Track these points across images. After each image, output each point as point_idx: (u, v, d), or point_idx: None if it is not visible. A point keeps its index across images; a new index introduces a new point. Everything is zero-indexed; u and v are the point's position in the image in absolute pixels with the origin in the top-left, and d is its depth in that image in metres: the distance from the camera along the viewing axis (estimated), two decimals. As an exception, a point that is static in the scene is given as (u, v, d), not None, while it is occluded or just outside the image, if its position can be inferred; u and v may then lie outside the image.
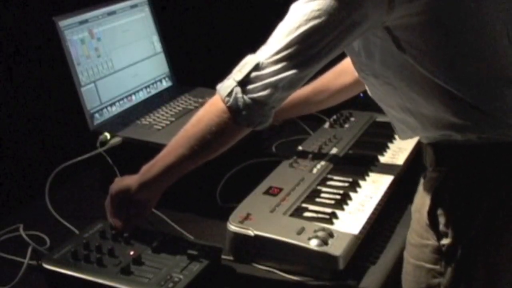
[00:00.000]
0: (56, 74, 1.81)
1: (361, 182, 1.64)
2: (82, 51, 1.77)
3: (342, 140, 1.87)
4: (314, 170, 1.69)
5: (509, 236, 1.31)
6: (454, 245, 1.30)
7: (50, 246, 1.51)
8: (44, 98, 1.90)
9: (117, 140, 1.70)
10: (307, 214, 1.49)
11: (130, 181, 1.39)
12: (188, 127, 1.32)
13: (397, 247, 1.51)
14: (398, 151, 1.82)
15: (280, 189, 1.58)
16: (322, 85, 1.74)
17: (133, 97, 1.93)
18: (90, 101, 1.76)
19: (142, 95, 1.96)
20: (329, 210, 1.50)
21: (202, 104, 1.93)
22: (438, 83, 1.24)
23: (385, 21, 1.21)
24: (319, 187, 1.62)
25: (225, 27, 2.51)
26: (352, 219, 1.49)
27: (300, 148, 1.82)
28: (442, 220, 1.31)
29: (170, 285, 1.26)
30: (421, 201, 1.36)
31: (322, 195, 1.58)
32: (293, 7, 1.23)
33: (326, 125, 1.99)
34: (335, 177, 1.67)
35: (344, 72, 1.71)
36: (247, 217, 1.45)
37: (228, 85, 1.26)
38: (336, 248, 1.36)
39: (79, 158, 1.66)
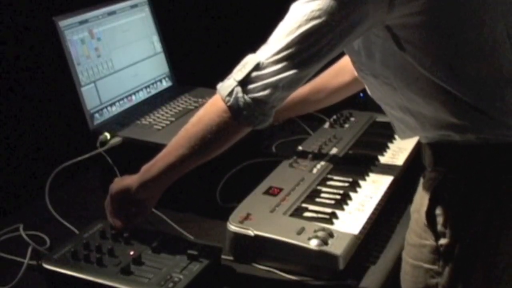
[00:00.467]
0: (56, 74, 1.81)
1: (361, 182, 1.64)
2: (82, 51, 1.77)
3: (342, 140, 1.87)
4: (314, 170, 1.69)
5: (507, 236, 1.31)
6: (452, 245, 1.30)
7: (50, 246, 1.51)
8: (44, 98, 1.90)
9: (117, 140, 1.70)
10: (307, 214, 1.49)
11: (130, 181, 1.39)
12: (189, 126, 1.32)
13: (397, 247, 1.51)
14: (398, 151, 1.82)
15: (280, 189, 1.58)
16: (320, 84, 1.75)
17: (133, 97, 1.93)
18: (90, 101, 1.76)
19: (142, 95, 1.97)
20: (329, 210, 1.50)
21: (202, 104, 1.94)
22: (438, 83, 1.24)
23: (385, 20, 1.21)
24: (319, 187, 1.62)
25: (225, 27, 2.51)
26: (352, 219, 1.49)
27: (300, 148, 1.82)
28: (440, 220, 1.31)
29: (170, 285, 1.26)
30: (420, 201, 1.36)
31: (322, 195, 1.58)
32: (293, 7, 1.23)
33: (326, 125, 1.99)
34: (335, 177, 1.67)
35: (342, 70, 1.71)
36: (247, 217, 1.45)
37: (228, 84, 1.26)
38: (336, 248, 1.36)
39: (79, 158, 1.66)
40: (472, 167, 1.30)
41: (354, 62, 1.39)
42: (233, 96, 1.25)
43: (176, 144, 1.33)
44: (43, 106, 1.90)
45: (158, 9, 2.08)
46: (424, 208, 1.33)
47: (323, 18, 1.19)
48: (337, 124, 1.99)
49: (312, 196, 1.57)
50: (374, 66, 1.31)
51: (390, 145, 1.86)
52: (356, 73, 1.45)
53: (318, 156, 1.77)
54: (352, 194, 1.58)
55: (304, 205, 1.53)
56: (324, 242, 1.37)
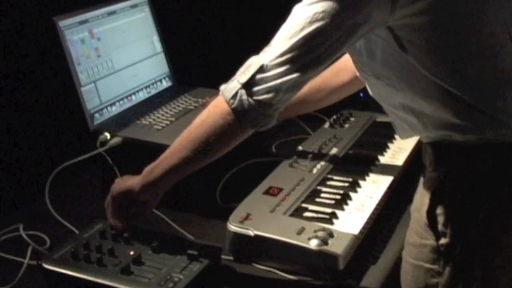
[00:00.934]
0: (56, 74, 1.81)
1: (361, 182, 1.64)
2: (82, 51, 1.77)
3: (342, 140, 1.87)
4: (314, 170, 1.69)
5: (508, 237, 1.31)
6: (453, 245, 1.31)
7: (50, 246, 1.51)
8: (44, 98, 1.90)
9: (117, 140, 1.70)
10: (307, 214, 1.49)
11: (132, 182, 1.39)
12: (192, 129, 1.32)
13: (397, 247, 1.51)
14: (398, 151, 1.82)
15: (280, 189, 1.58)
16: (320, 84, 1.74)
17: (133, 97, 1.93)
18: (90, 101, 1.76)
19: (142, 95, 1.97)
20: (329, 210, 1.50)
21: (202, 104, 1.94)
22: (440, 84, 1.24)
23: (387, 21, 1.21)
24: (319, 187, 1.62)
25: (225, 27, 2.51)
26: (352, 219, 1.49)
27: (300, 148, 1.82)
28: (441, 219, 1.31)
29: (170, 285, 1.26)
30: (420, 200, 1.36)
31: (322, 195, 1.58)
32: (296, 9, 1.23)
33: (326, 125, 1.99)
34: (335, 177, 1.67)
35: (342, 70, 1.71)
36: (247, 217, 1.45)
37: (232, 87, 1.26)
38: (336, 248, 1.36)
39: (79, 158, 1.66)
40: (473, 167, 1.30)
41: (355, 63, 1.39)
42: (238, 98, 1.25)
43: (179, 146, 1.33)
44: (43, 106, 1.90)
45: (158, 9, 2.08)
46: (425, 207, 1.33)
47: (326, 20, 1.19)
48: (337, 124, 1.99)
49: (312, 196, 1.57)
50: (375, 66, 1.31)
51: (390, 145, 1.86)
52: (357, 73, 1.45)
53: (318, 156, 1.77)
54: (352, 194, 1.58)
55: (304, 205, 1.53)
56: (324, 242, 1.37)
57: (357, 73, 1.43)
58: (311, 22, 1.20)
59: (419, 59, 1.24)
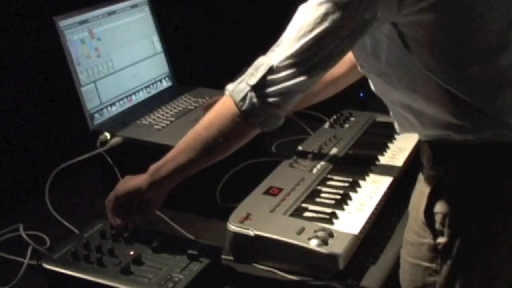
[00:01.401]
0: (56, 74, 1.81)
1: (361, 182, 1.64)
2: (82, 51, 1.77)
3: (342, 140, 1.87)
4: (314, 170, 1.69)
5: (506, 235, 1.31)
6: (450, 244, 1.31)
7: (50, 246, 1.51)
8: (44, 98, 1.90)
9: (117, 140, 1.70)
10: (307, 214, 1.49)
11: (138, 181, 1.38)
12: (199, 129, 1.32)
13: (397, 247, 1.50)
14: (398, 151, 1.82)
15: (280, 189, 1.58)
16: None
17: (133, 97, 1.93)
18: (90, 101, 1.77)
19: (142, 95, 1.97)
20: (329, 210, 1.50)
21: (202, 104, 1.94)
22: (441, 84, 1.24)
23: (394, 18, 1.21)
24: (319, 187, 1.62)
25: (225, 27, 2.51)
26: (352, 219, 1.49)
27: (300, 148, 1.82)
28: (438, 218, 1.31)
29: (170, 285, 1.26)
30: (418, 199, 1.36)
31: (322, 195, 1.58)
32: (303, 8, 1.23)
33: (326, 125, 1.99)
34: (335, 177, 1.67)
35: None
36: (247, 217, 1.45)
37: (241, 89, 1.26)
38: (336, 248, 1.36)
39: (79, 158, 1.66)
40: (471, 166, 1.30)
41: (357, 58, 1.39)
42: (247, 101, 1.25)
43: (186, 146, 1.33)
44: (43, 106, 1.90)
45: (158, 9, 2.08)
46: (423, 206, 1.33)
47: (336, 20, 1.18)
48: (337, 124, 1.98)
49: (312, 196, 1.57)
50: (378, 65, 1.31)
51: (390, 145, 1.86)
52: (356, 65, 1.44)
53: (318, 156, 1.76)
54: (352, 194, 1.58)
55: (304, 205, 1.53)
56: (324, 242, 1.37)
57: (359, 68, 1.43)
58: (320, 23, 1.19)
59: (422, 58, 1.24)
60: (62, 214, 1.62)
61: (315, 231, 1.39)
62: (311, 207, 1.52)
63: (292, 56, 1.22)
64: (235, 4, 2.46)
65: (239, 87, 1.26)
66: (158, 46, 2.07)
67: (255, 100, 1.24)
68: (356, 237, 1.42)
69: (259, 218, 1.45)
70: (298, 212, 1.50)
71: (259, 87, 1.24)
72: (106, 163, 1.68)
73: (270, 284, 1.39)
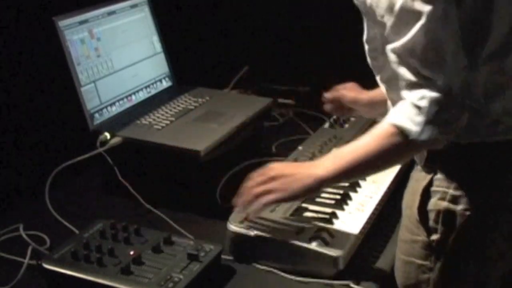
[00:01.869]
0: (56, 74, 1.81)
1: (361, 182, 1.64)
2: (82, 51, 1.77)
3: (342, 140, 1.87)
4: (314, 170, 1.69)
5: (499, 233, 1.32)
6: (444, 241, 1.31)
7: (50, 246, 1.51)
8: (44, 98, 1.90)
9: (117, 140, 1.70)
10: (307, 214, 1.50)
11: (319, 167, 1.35)
12: (371, 159, 1.30)
13: (397, 247, 1.51)
14: (398, 151, 1.82)
15: (280, 189, 1.57)
16: None
17: (133, 97, 1.93)
18: (90, 101, 1.77)
19: (142, 95, 1.97)
20: (329, 210, 1.50)
21: (202, 104, 1.94)
22: None
23: None
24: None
25: (225, 27, 2.51)
26: (352, 219, 1.49)
27: (300, 148, 1.82)
28: (431, 216, 1.32)
29: (170, 285, 1.26)
30: (411, 197, 1.36)
31: (322, 195, 1.58)
32: (419, 29, 1.19)
33: (326, 125, 1.99)
34: (335, 177, 1.66)
35: None
36: (247, 217, 1.45)
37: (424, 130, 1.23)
38: (336, 248, 1.36)
39: (79, 158, 1.66)
40: (465, 164, 1.30)
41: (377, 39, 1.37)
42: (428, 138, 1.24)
43: (357, 165, 1.32)
44: (43, 106, 1.90)
45: (158, 9, 2.08)
46: (416, 203, 1.34)
47: (444, 22, 1.18)
48: (337, 124, 1.99)
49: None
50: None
51: (390, 145, 1.86)
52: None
53: (318, 156, 1.76)
54: (352, 194, 1.58)
55: (304, 205, 1.53)
56: (324, 242, 1.37)
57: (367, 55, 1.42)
58: (436, 38, 1.19)
59: None
60: (62, 214, 1.62)
61: (315, 231, 1.40)
62: (311, 207, 1.52)
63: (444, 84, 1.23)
64: (235, 4, 2.46)
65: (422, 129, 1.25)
66: (158, 46, 2.07)
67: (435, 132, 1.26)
68: (356, 237, 1.42)
69: (259, 218, 1.45)
70: (298, 212, 1.50)
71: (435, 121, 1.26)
72: (106, 163, 1.68)
73: (270, 284, 1.39)
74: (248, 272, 1.42)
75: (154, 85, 2.03)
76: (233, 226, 1.43)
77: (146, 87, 1.99)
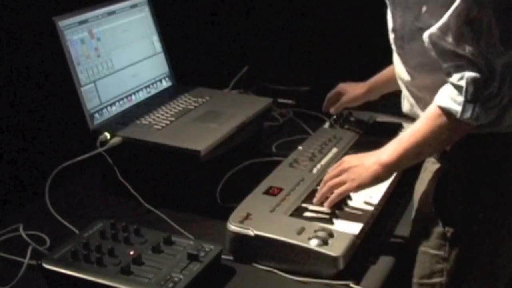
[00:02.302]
0: (56, 74, 1.81)
1: (361, 182, 1.64)
2: (82, 51, 1.77)
3: (342, 140, 1.87)
4: (314, 170, 1.69)
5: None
6: (459, 232, 1.34)
7: (50, 246, 1.51)
8: (44, 98, 1.90)
9: (117, 140, 1.70)
10: (307, 214, 1.50)
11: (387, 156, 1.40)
12: (426, 141, 1.33)
13: (397, 247, 1.51)
14: (398, 151, 1.82)
15: (280, 189, 1.58)
16: None
17: (133, 97, 1.93)
18: (90, 101, 1.77)
19: (142, 95, 1.97)
20: (329, 210, 1.50)
21: (202, 104, 1.94)
22: None
23: None
24: (319, 187, 1.61)
25: (225, 27, 2.51)
26: (352, 219, 1.49)
27: (300, 148, 1.82)
28: (447, 207, 1.33)
29: (170, 285, 1.26)
30: (426, 188, 1.38)
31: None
32: (451, 18, 1.22)
33: (326, 125, 1.99)
34: (335, 177, 1.66)
35: None
36: (247, 217, 1.45)
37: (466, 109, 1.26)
38: (336, 248, 1.36)
39: (79, 158, 1.66)
40: (479, 156, 1.31)
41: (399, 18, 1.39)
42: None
43: (416, 149, 1.35)
44: (43, 106, 1.90)
45: (158, 9, 2.08)
46: (431, 195, 1.35)
47: (479, 4, 1.21)
48: (337, 124, 1.99)
49: (312, 196, 1.57)
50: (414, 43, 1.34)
51: (390, 145, 1.86)
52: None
53: (318, 156, 1.77)
54: (352, 194, 1.58)
55: (304, 205, 1.53)
56: (324, 242, 1.37)
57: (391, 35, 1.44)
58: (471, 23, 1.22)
59: None
60: (62, 214, 1.62)
61: (315, 231, 1.40)
62: (311, 207, 1.52)
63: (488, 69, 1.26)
64: (235, 4, 2.46)
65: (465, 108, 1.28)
66: (158, 46, 2.07)
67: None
68: (356, 237, 1.42)
69: (259, 218, 1.45)
70: (298, 212, 1.50)
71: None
72: (106, 163, 1.68)
73: (270, 284, 1.39)
74: (248, 272, 1.42)
75: (154, 85, 2.03)
76: (233, 226, 1.43)
77: (146, 87, 1.99)
